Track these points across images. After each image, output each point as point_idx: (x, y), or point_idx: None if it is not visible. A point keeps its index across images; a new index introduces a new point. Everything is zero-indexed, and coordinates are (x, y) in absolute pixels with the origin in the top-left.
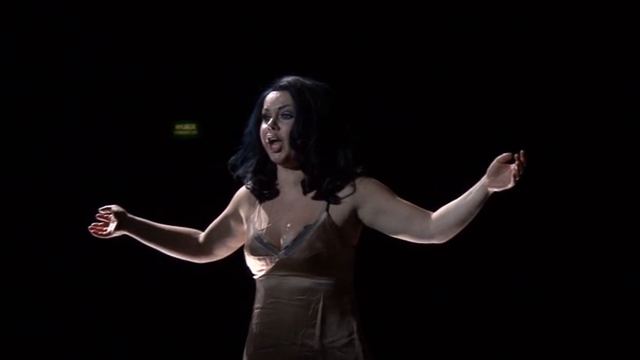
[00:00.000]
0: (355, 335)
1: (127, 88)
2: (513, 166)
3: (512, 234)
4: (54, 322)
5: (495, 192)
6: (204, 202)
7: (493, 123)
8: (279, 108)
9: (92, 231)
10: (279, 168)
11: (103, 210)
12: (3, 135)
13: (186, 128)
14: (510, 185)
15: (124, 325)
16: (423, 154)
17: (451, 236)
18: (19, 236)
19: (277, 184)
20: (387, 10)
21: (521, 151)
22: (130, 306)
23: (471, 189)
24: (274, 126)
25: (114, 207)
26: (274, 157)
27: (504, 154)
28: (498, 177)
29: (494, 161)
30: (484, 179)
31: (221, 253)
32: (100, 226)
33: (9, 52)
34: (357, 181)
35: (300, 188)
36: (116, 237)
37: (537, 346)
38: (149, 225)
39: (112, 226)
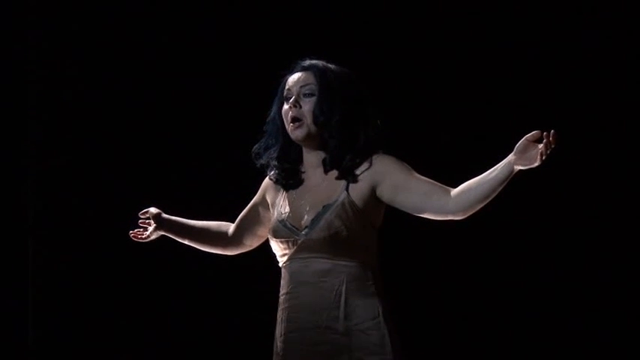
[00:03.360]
0: (380, 318)
1: (223, 87)
2: (541, 145)
3: (541, 213)
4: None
5: (520, 170)
6: None
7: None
8: (301, 87)
9: (132, 236)
10: (304, 151)
11: (142, 214)
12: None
13: None
14: (536, 164)
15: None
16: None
17: (471, 212)
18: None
19: (302, 170)
20: None
21: (552, 131)
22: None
23: (496, 166)
24: (296, 104)
25: (152, 209)
26: (295, 134)
27: (534, 132)
28: (525, 154)
29: (523, 139)
30: (511, 156)
31: (251, 243)
32: (140, 231)
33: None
34: (375, 158)
35: (321, 171)
36: (154, 239)
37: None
38: (182, 223)
39: (150, 229)
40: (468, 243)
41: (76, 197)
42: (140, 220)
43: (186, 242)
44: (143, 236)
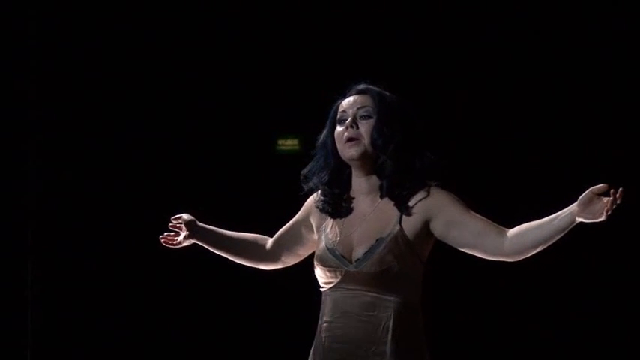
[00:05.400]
0: (426, 354)
1: (231, 104)
2: (607, 200)
3: (585, 254)
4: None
5: (582, 223)
6: None
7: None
8: (358, 109)
9: (163, 241)
10: (354, 177)
11: (174, 219)
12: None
13: (288, 144)
14: (601, 219)
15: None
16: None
17: (525, 256)
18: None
19: (351, 197)
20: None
21: (620, 189)
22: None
23: (557, 213)
24: (353, 125)
25: (185, 216)
26: (350, 152)
27: (600, 186)
28: (589, 208)
29: (588, 191)
30: (574, 207)
31: (289, 260)
32: (172, 236)
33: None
34: (431, 192)
35: (373, 198)
36: (185, 246)
37: None
38: (217, 233)
39: (182, 236)
40: (510, 283)
41: (76, 209)
42: (170, 224)
43: (219, 252)
44: (174, 242)
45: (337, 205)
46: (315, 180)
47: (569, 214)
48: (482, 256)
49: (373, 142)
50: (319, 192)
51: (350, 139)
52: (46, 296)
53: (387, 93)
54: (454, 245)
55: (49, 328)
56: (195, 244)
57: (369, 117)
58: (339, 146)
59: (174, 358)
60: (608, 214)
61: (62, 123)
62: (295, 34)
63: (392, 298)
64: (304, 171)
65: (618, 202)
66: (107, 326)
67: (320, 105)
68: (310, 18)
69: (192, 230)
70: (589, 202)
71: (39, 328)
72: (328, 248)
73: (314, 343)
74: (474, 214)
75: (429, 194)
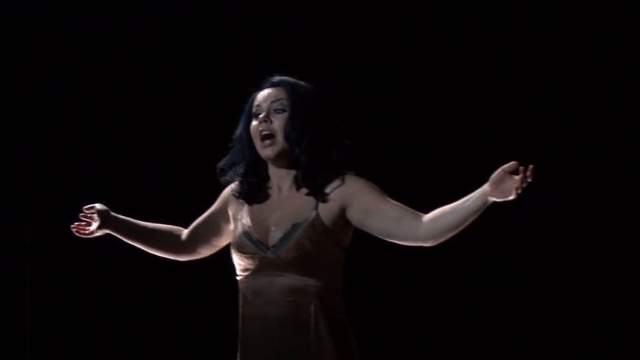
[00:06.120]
0: (351, 339)
1: (231, 104)
2: (517, 178)
3: (511, 237)
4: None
5: (495, 202)
6: None
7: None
8: (272, 102)
9: (74, 230)
10: (271, 169)
11: (86, 209)
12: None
13: None
14: (511, 197)
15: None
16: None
17: (442, 240)
18: None
19: (268, 187)
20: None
21: (530, 166)
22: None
23: (470, 195)
24: (266, 119)
25: (97, 205)
26: (266, 152)
27: (511, 164)
28: (500, 186)
29: (500, 169)
30: (486, 187)
31: (205, 252)
32: (83, 225)
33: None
34: (347, 180)
35: (289, 187)
36: (98, 236)
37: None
38: (131, 223)
39: (94, 226)
40: (433, 269)
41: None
42: (81, 214)
43: (133, 243)
44: (86, 231)
45: (254, 192)
46: (231, 173)
47: (482, 194)
48: (399, 243)
49: (287, 136)
50: (236, 183)
51: (265, 137)
52: (45, 296)
53: (303, 84)
54: (371, 232)
55: (47, 329)
56: (109, 234)
57: (283, 110)
58: (256, 142)
59: (174, 358)
60: (519, 192)
61: (59, 120)
62: (295, 33)
63: (312, 282)
64: (220, 163)
65: (529, 179)
66: (105, 326)
67: None
68: (309, 18)
69: (105, 220)
70: (500, 180)
71: (37, 328)
72: (244, 233)
73: (239, 333)
74: (390, 200)
75: (343, 182)
